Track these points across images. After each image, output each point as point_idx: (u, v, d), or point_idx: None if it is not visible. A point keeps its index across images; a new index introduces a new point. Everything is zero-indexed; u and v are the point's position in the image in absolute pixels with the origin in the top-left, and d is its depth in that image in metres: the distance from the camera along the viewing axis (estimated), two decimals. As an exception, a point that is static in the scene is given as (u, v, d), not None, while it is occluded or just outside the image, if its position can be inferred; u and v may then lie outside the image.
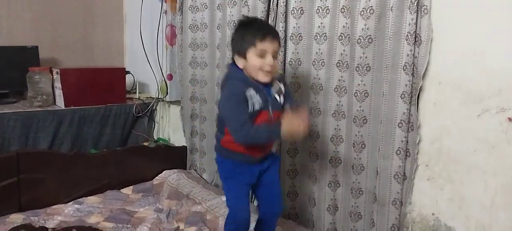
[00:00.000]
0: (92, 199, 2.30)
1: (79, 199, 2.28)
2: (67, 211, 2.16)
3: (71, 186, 2.30)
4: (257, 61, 1.46)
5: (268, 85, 1.53)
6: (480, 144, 1.50)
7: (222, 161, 1.67)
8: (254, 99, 1.47)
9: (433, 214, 1.66)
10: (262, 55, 1.46)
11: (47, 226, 1.96)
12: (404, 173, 1.69)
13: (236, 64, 1.54)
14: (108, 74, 2.72)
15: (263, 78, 1.48)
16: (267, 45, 1.46)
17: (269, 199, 1.69)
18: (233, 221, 1.65)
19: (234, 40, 1.55)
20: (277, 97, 1.55)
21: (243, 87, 1.47)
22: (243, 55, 1.49)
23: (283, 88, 1.58)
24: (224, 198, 1.95)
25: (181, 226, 2.06)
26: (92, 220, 2.09)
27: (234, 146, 1.57)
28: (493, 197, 1.49)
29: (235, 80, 1.51)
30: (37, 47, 2.66)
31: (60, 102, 2.51)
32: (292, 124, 1.41)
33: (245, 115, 1.46)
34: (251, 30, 1.49)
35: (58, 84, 2.50)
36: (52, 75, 2.54)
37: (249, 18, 1.66)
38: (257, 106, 1.48)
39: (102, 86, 2.64)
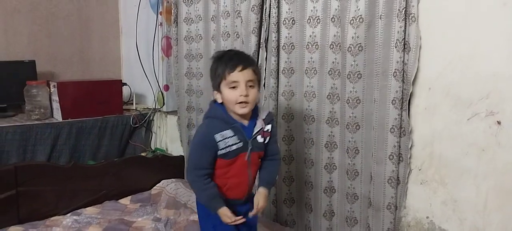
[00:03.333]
0: (90, 210, 2.31)
1: (77, 210, 2.29)
2: (65, 223, 2.17)
3: (70, 198, 2.32)
4: (231, 94, 1.40)
5: (251, 124, 1.48)
6: (470, 148, 1.52)
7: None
8: (230, 141, 1.43)
9: (427, 217, 1.68)
10: (234, 86, 1.40)
11: (45, 238, 1.98)
12: (398, 177, 1.71)
13: (217, 102, 1.47)
14: (105, 86, 2.76)
15: (240, 110, 1.41)
16: (237, 76, 1.39)
17: None
18: None
19: (210, 76, 1.48)
20: (258, 138, 1.49)
21: (214, 131, 1.42)
22: (219, 90, 1.44)
23: (269, 129, 1.52)
24: None
25: (179, 235, 2.08)
26: (90, 230, 2.11)
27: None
28: (485, 200, 1.51)
29: (213, 119, 1.46)
30: (34, 61, 2.69)
31: (58, 115, 2.53)
32: (228, 217, 1.42)
33: (204, 162, 1.44)
34: (222, 62, 1.43)
35: (55, 97, 2.52)
36: (49, 88, 2.57)
37: (222, 51, 1.54)
38: (234, 148, 1.44)
39: (99, 98, 2.66)
